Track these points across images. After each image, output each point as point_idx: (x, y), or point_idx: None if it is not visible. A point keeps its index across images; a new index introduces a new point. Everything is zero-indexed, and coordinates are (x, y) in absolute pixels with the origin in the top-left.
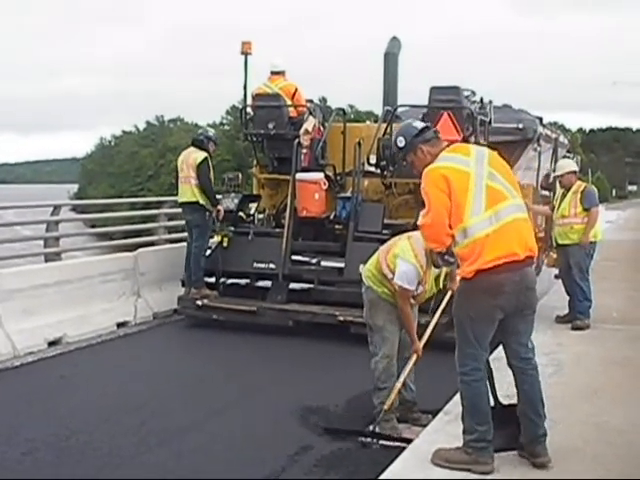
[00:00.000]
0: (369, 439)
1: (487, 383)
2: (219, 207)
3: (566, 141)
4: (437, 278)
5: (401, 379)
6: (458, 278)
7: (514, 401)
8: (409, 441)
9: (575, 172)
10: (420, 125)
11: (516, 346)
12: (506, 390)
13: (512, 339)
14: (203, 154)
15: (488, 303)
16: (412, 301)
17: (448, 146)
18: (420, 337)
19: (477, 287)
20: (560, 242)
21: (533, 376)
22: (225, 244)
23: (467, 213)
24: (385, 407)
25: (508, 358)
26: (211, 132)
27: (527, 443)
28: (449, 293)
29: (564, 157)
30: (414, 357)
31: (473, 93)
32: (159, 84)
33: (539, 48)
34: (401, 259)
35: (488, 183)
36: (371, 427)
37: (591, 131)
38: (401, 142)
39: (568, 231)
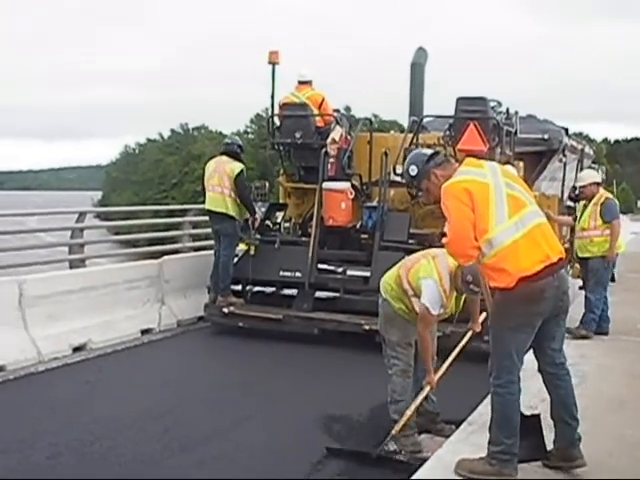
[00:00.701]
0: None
1: (520, 397)
2: (257, 216)
3: (591, 152)
4: (457, 299)
5: (412, 407)
6: (487, 292)
7: (537, 411)
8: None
9: (598, 183)
10: (429, 152)
11: (550, 352)
12: (529, 401)
13: (546, 345)
14: (240, 165)
15: (529, 311)
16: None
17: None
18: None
19: (517, 296)
20: (580, 255)
21: (567, 381)
22: (252, 252)
23: (491, 223)
24: (393, 432)
25: (541, 365)
26: (238, 140)
27: (563, 448)
28: (469, 333)
29: (589, 168)
30: (427, 388)
31: (499, 104)
32: (184, 92)
33: (564, 58)
34: (426, 280)
35: (508, 192)
36: (378, 450)
37: (616, 142)
38: (413, 170)
39: (587, 244)
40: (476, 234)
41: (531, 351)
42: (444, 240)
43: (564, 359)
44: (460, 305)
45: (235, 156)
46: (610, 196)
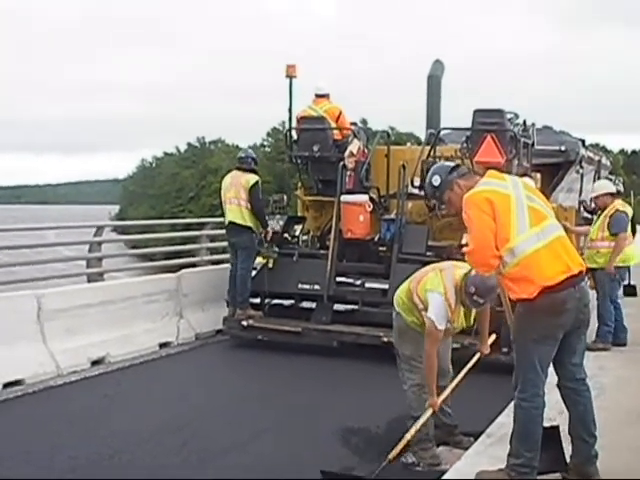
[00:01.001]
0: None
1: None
2: (269, 229)
3: (608, 163)
4: (467, 313)
5: (412, 431)
6: (507, 305)
7: (555, 423)
8: None
9: (612, 194)
10: (452, 164)
11: (571, 367)
12: (547, 413)
13: (567, 359)
14: (255, 177)
15: (552, 323)
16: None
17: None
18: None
19: (539, 307)
20: (588, 265)
21: (587, 397)
22: (270, 265)
23: (513, 232)
24: (390, 457)
25: (561, 380)
26: (252, 153)
27: (579, 464)
28: (477, 355)
29: (606, 179)
30: (429, 411)
31: (516, 116)
32: (201, 106)
33: (581, 68)
34: (432, 294)
35: (528, 204)
36: (373, 476)
37: (633, 152)
38: (436, 181)
39: (594, 255)
40: (497, 243)
41: (551, 365)
42: (465, 249)
43: (584, 374)
44: (471, 320)
45: (249, 168)
46: (622, 208)
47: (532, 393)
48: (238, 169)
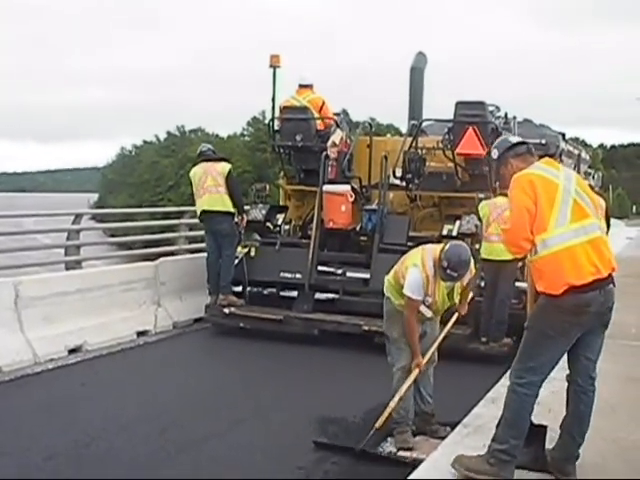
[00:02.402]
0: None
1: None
2: (244, 215)
3: (588, 157)
4: (450, 293)
5: (395, 398)
6: (531, 289)
7: (544, 422)
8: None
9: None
10: (515, 140)
11: (585, 361)
12: (535, 408)
13: (582, 352)
14: (228, 165)
15: (570, 322)
16: (426, 312)
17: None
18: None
19: (562, 304)
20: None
21: (591, 398)
22: (253, 254)
23: (551, 223)
24: (377, 425)
25: (572, 374)
26: (210, 146)
27: (560, 459)
28: (455, 315)
29: (585, 173)
30: (415, 372)
31: (497, 108)
32: (181, 95)
33: (561, 63)
34: (410, 268)
35: (575, 198)
36: (361, 445)
37: (612, 147)
38: (495, 154)
39: None
40: (533, 229)
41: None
42: (503, 227)
43: (595, 374)
44: (455, 298)
45: (220, 158)
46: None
47: (529, 381)
48: (205, 161)
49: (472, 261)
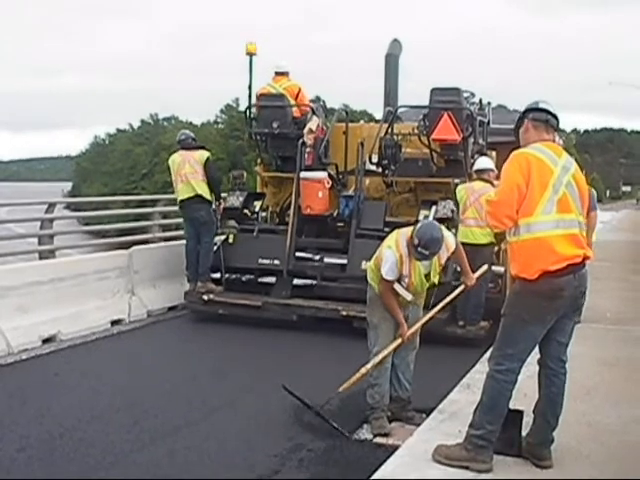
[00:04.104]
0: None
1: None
2: (221, 201)
3: (561, 141)
4: (427, 275)
5: (368, 365)
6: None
7: (520, 407)
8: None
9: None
10: (544, 106)
11: (557, 344)
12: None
13: (554, 336)
14: (206, 152)
15: (545, 306)
16: (406, 295)
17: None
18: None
19: (536, 289)
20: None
21: (563, 380)
22: (231, 240)
23: (539, 209)
24: (340, 389)
25: (543, 357)
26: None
27: (535, 444)
28: (461, 287)
29: None
30: (398, 341)
31: (472, 94)
32: (155, 82)
33: (536, 48)
34: (384, 249)
35: (565, 191)
36: (320, 406)
37: (585, 132)
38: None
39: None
40: (519, 210)
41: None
42: (488, 197)
43: (566, 357)
44: (433, 280)
45: (198, 146)
46: None
47: (508, 368)
48: (184, 149)
49: (452, 238)
